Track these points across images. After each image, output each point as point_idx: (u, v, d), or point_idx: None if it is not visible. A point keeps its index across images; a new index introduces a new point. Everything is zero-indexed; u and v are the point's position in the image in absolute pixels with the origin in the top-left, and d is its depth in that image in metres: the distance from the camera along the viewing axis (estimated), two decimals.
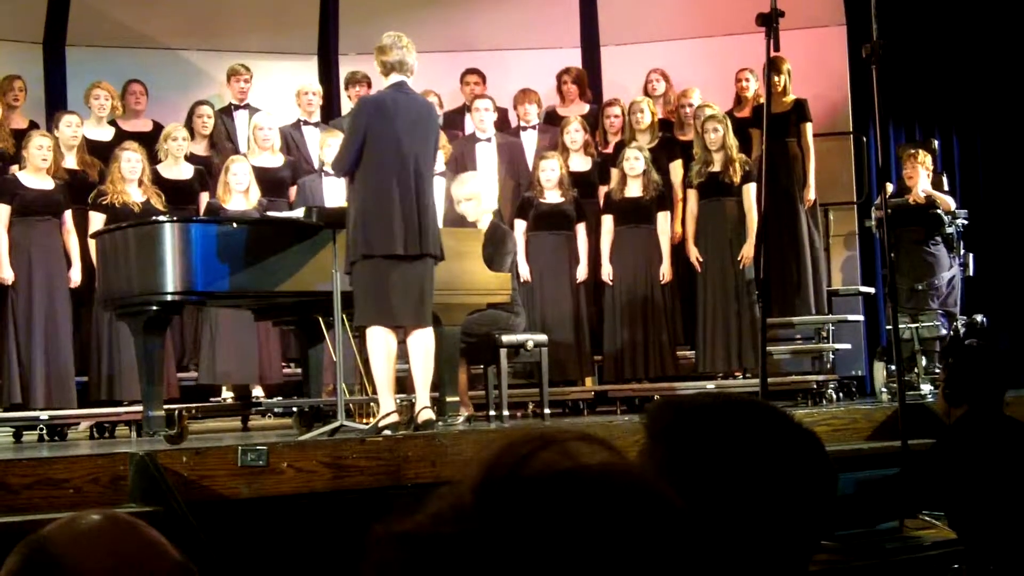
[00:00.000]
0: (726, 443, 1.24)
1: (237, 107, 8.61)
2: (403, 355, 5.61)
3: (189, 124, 8.22)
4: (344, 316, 5.66)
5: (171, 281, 5.48)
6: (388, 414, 5.35)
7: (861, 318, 8.65)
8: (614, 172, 7.95)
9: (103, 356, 7.28)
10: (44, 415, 6.98)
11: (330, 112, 9.10)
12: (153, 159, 7.66)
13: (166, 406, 5.80)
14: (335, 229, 5.60)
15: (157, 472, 4.27)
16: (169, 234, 5.49)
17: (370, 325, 5.41)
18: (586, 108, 8.87)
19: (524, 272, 7.71)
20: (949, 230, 7.81)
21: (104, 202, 7.21)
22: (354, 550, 0.87)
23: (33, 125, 7.97)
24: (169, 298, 5.53)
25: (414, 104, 5.58)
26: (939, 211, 7.77)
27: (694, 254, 7.87)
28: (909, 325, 7.57)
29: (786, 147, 7.90)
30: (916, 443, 4.49)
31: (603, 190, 8.07)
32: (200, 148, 8.19)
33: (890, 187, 7.51)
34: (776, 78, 7.66)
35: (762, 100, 7.34)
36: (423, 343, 5.52)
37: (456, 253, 5.93)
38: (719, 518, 1.16)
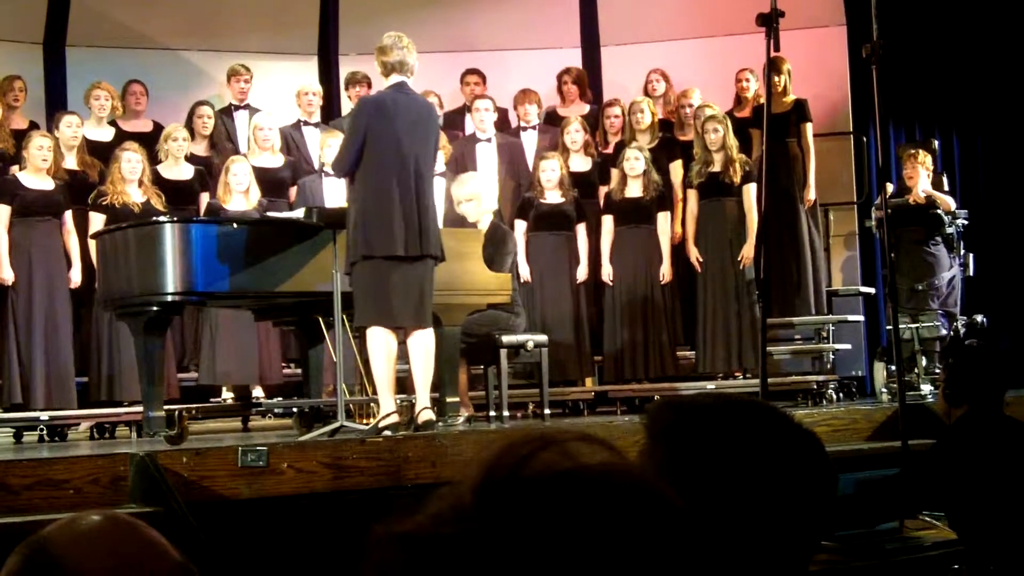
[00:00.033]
0: (726, 443, 1.24)
1: (237, 107, 8.60)
2: (403, 355, 5.61)
3: (189, 124, 8.21)
4: (344, 316, 5.66)
5: (171, 281, 5.47)
6: (388, 415, 5.36)
7: (861, 318, 8.65)
8: (614, 172, 7.95)
9: (103, 356, 7.28)
10: (44, 416, 6.98)
11: (330, 112, 9.10)
12: (153, 159, 7.65)
13: (166, 407, 5.80)
14: (335, 229, 5.60)
15: (157, 473, 4.27)
16: (169, 234, 5.49)
17: (370, 326, 5.41)
18: (586, 108, 8.86)
19: (524, 272, 7.71)
20: (949, 230, 7.81)
21: (104, 202, 7.21)
22: (354, 551, 0.87)
23: (33, 125, 7.96)
24: (169, 298, 5.52)
25: (414, 104, 5.58)
26: (939, 211, 7.77)
27: (694, 254, 7.86)
28: (909, 325, 7.57)
29: (786, 147, 7.90)
30: (916, 443, 4.49)
31: (603, 190, 8.07)
32: (200, 148, 8.19)
33: (890, 187, 7.51)
34: (776, 78, 7.66)
35: (762, 100, 7.34)
36: (423, 344, 5.52)
37: (456, 253, 5.92)
38: (719, 518, 1.16)
